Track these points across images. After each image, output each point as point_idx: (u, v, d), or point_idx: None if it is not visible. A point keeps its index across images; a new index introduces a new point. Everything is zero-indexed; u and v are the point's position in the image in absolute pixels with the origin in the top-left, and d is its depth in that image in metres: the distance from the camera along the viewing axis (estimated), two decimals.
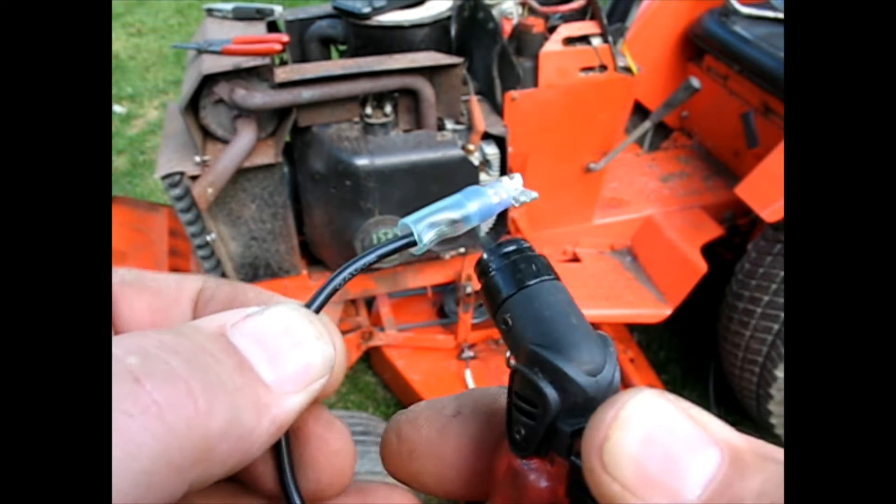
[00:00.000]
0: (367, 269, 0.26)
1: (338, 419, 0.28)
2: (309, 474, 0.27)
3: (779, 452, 0.18)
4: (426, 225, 0.26)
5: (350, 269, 0.26)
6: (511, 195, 0.28)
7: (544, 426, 0.22)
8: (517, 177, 0.29)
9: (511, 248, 0.26)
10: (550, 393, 0.22)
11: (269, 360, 0.22)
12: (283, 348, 0.23)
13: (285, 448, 0.26)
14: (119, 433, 0.18)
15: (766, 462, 0.18)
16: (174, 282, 0.27)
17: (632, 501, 0.18)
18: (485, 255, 0.26)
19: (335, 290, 0.26)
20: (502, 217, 1.80)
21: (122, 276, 0.25)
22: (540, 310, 0.24)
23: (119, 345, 0.19)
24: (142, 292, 0.25)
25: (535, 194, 0.30)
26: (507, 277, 0.25)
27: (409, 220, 0.26)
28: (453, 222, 0.27)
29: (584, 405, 0.21)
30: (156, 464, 0.18)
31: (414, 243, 0.26)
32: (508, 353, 0.25)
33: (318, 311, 0.25)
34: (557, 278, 0.25)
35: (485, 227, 1.81)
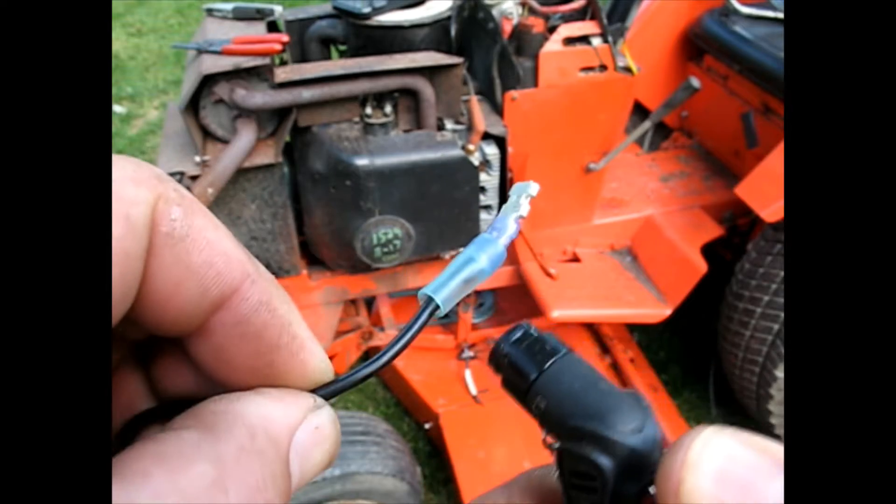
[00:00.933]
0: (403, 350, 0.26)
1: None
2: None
3: None
4: (446, 292, 0.26)
5: (388, 356, 0.25)
6: (514, 226, 0.28)
7: (608, 495, 0.23)
8: (517, 191, 0.29)
9: (519, 333, 0.27)
10: (604, 462, 0.23)
11: (299, 476, 0.23)
12: (315, 466, 0.23)
13: None
14: None
15: None
16: (216, 265, 0.22)
17: None
18: (498, 348, 0.27)
19: (355, 384, 0.26)
20: None
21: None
22: (569, 385, 0.25)
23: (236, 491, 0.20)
24: (179, 267, 0.21)
25: (535, 185, 0.29)
26: (527, 362, 0.26)
27: (428, 290, 0.26)
28: (469, 281, 0.27)
29: (638, 465, 0.22)
30: None
31: (437, 308, 0.26)
32: (544, 434, 0.25)
33: (332, 395, 0.25)
34: (571, 350, 0.26)
35: (484, 227, 1.80)
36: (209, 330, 0.23)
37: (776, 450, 0.20)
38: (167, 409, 0.25)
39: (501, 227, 0.28)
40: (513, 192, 0.29)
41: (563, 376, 0.25)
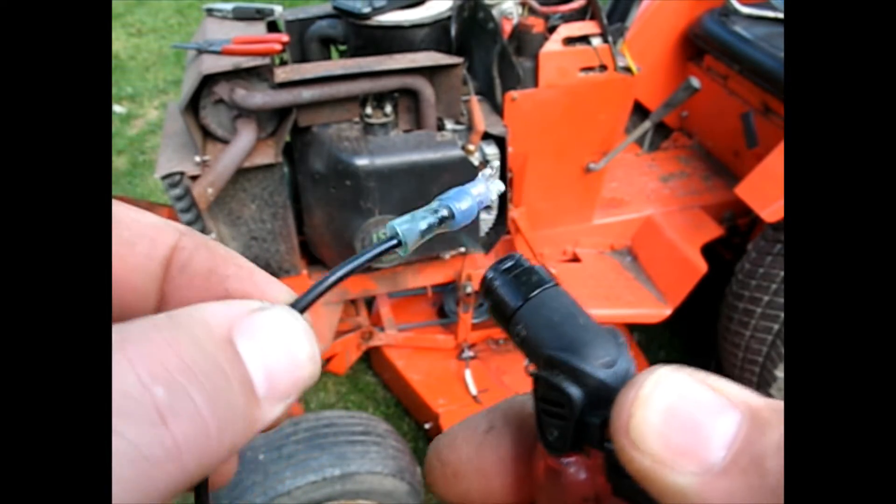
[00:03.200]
0: (359, 270, 0.27)
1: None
2: None
3: None
4: (412, 227, 0.27)
5: (341, 273, 0.26)
6: (489, 192, 0.30)
7: (574, 423, 0.24)
8: (489, 169, 0.31)
9: (510, 263, 0.28)
10: (573, 391, 0.24)
11: (266, 377, 0.22)
12: (281, 366, 0.22)
13: None
14: (135, 477, 0.17)
15: (782, 417, 0.19)
16: (150, 232, 0.25)
17: (662, 472, 0.19)
18: (487, 274, 0.28)
19: (323, 293, 0.26)
20: (502, 217, 1.80)
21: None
22: (549, 316, 0.26)
23: (140, 363, 0.19)
24: (117, 244, 0.24)
25: (501, 186, 0.31)
26: (513, 291, 0.27)
27: (395, 222, 0.27)
28: (440, 221, 0.28)
29: (606, 396, 0.23)
30: (162, 497, 0.18)
31: (399, 244, 0.27)
32: (527, 362, 0.26)
33: (302, 311, 0.25)
34: (558, 284, 0.27)
35: (485, 228, 1.81)
36: (168, 299, 0.25)
37: (731, 389, 0.20)
38: None
39: (479, 186, 0.30)
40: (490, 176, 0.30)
41: (545, 307, 0.26)
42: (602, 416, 0.22)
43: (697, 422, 0.19)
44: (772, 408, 0.19)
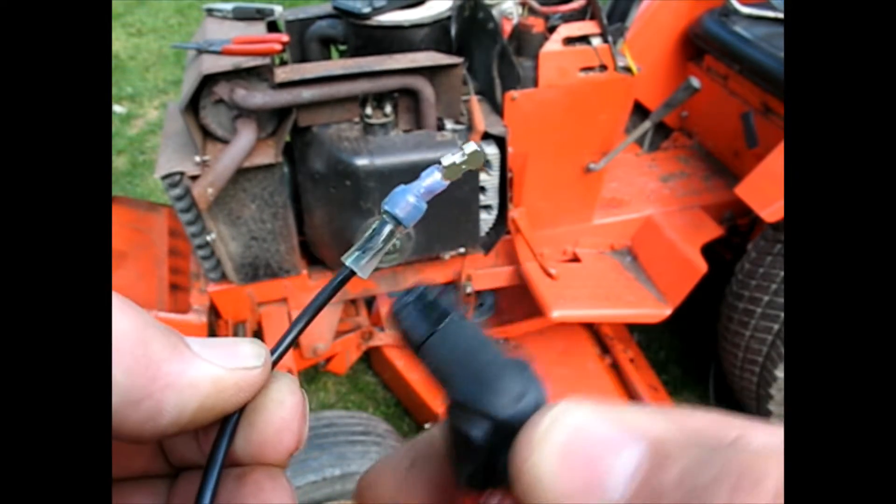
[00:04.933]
0: (319, 311, 0.30)
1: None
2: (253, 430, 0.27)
3: (708, 428, 0.18)
4: (362, 258, 0.29)
5: (303, 321, 0.28)
6: (439, 176, 0.29)
7: (482, 465, 0.23)
8: (468, 148, 0.30)
9: (412, 297, 0.27)
10: (476, 434, 0.23)
11: (200, 341, 0.24)
12: (219, 340, 0.24)
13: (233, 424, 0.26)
14: None
15: (687, 449, 0.18)
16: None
17: None
18: (393, 306, 0.27)
19: (291, 344, 0.28)
20: (502, 217, 1.80)
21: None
22: (451, 353, 0.25)
23: None
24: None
25: (473, 146, 0.30)
26: (415, 327, 0.26)
27: (344, 257, 0.29)
28: (388, 236, 0.29)
29: (513, 435, 0.22)
30: None
31: (353, 273, 0.29)
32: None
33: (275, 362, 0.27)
34: (464, 315, 0.26)
35: (485, 228, 1.81)
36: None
37: (635, 421, 0.19)
38: None
39: (423, 177, 0.29)
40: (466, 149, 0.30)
41: (446, 345, 0.25)
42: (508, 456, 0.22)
43: (595, 459, 0.18)
44: (678, 438, 0.18)
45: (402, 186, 0.29)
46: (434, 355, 0.25)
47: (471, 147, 0.29)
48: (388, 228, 0.29)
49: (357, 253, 0.28)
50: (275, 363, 0.27)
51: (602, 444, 0.19)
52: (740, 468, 0.16)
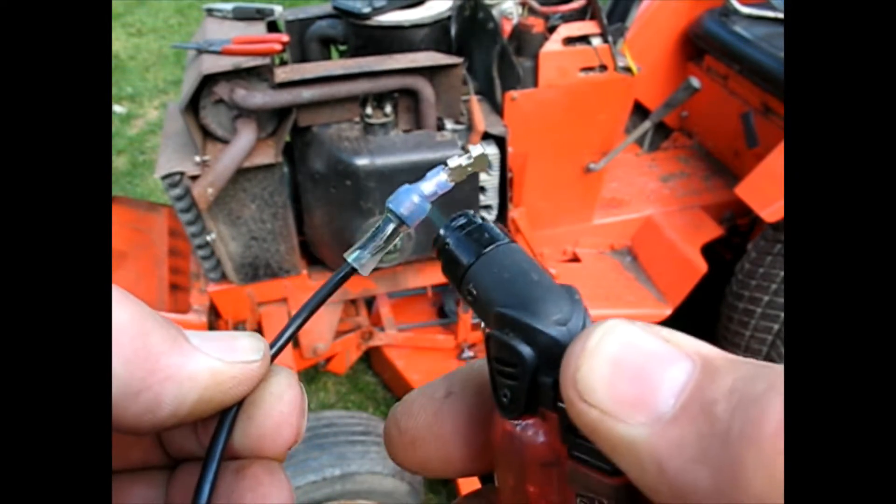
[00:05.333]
0: (319, 306, 0.29)
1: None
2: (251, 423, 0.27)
3: (749, 358, 0.19)
4: (364, 255, 0.29)
5: (302, 316, 0.28)
6: (445, 177, 0.29)
7: (526, 384, 0.23)
8: (473, 150, 0.30)
9: (462, 220, 0.27)
10: (525, 350, 0.23)
11: (199, 334, 0.24)
12: (219, 333, 0.25)
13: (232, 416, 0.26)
14: None
15: (736, 364, 0.18)
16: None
17: (611, 424, 0.18)
18: (440, 232, 0.27)
19: (290, 339, 0.28)
20: (502, 217, 1.80)
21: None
22: (500, 273, 0.25)
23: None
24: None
25: (480, 149, 0.30)
26: (464, 249, 0.26)
27: (347, 253, 0.29)
28: (392, 236, 0.29)
29: (559, 355, 0.22)
30: None
31: (354, 271, 0.29)
32: (482, 324, 0.25)
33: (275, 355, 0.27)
34: (512, 241, 0.26)
35: None
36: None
37: (683, 340, 0.19)
38: None
39: (430, 177, 0.29)
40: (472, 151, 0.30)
41: (497, 265, 0.25)
42: (555, 375, 0.22)
43: (646, 371, 0.19)
44: (725, 357, 0.19)
45: (406, 186, 0.29)
46: (483, 277, 0.25)
47: (477, 150, 0.29)
48: (391, 227, 0.29)
49: (359, 250, 0.29)
50: (273, 357, 0.27)
51: (653, 358, 0.19)
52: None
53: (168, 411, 0.22)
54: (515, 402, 0.23)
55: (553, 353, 0.22)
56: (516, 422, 0.24)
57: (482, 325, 0.25)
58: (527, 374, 0.22)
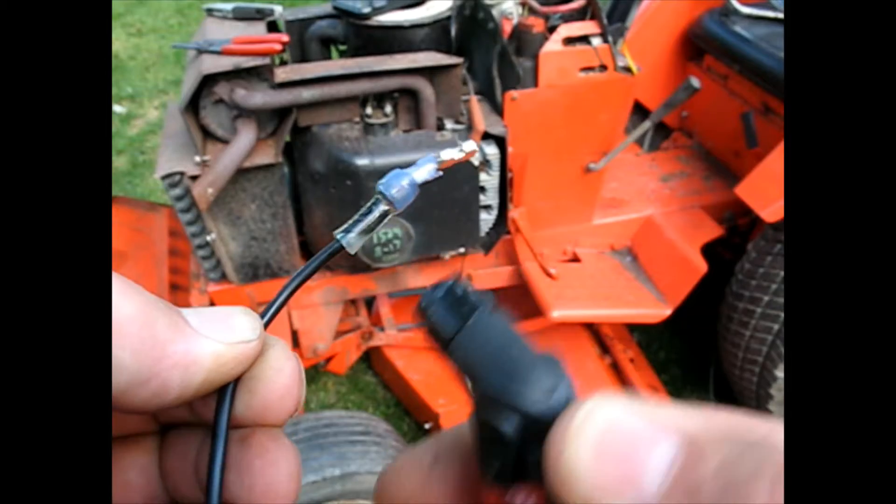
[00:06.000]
0: (305, 280, 0.30)
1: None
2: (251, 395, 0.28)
3: (738, 425, 0.18)
4: (348, 230, 0.30)
5: (290, 288, 0.29)
6: (434, 167, 0.30)
7: (511, 461, 0.23)
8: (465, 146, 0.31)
9: (442, 291, 0.26)
10: (507, 429, 0.22)
11: (196, 314, 0.25)
12: (214, 312, 0.25)
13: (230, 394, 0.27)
14: None
15: (722, 443, 0.18)
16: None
17: None
18: (421, 302, 0.27)
19: (277, 311, 0.29)
20: (502, 217, 1.80)
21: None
22: (480, 348, 0.24)
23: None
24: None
25: (472, 145, 0.31)
26: (444, 322, 0.26)
27: (336, 231, 0.30)
28: (380, 216, 0.30)
29: (543, 432, 0.21)
30: None
31: (341, 248, 0.30)
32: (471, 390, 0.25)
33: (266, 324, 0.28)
34: (494, 309, 0.26)
35: (485, 228, 1.81)
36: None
37: (668, 416, 0.19)
38: None
39: (420, 164, 0.30)
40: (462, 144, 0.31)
41: (476, 340, 0.25)
42: (539, 452, 0.21)
43: (630, 453, 0.19)
44: (710, 434, 0.18)
45: (398, 170, 0.30)
46: (463, 350, 0.25)
47: (469, 145, 0.31)
48: (381, 208, 0.30)
49: (347, 230, 0.30)
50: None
51: (637, 439, 0.19)
52: (779, 464, 0.16)
53: (174, 395, 0.23)
54: (502, 475, 0.23)
55: (538, 430, 0.22)
56: (507, 491, 0.24)
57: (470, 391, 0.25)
58: (510, 451, 0.22)
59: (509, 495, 0.24)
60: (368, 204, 0.30)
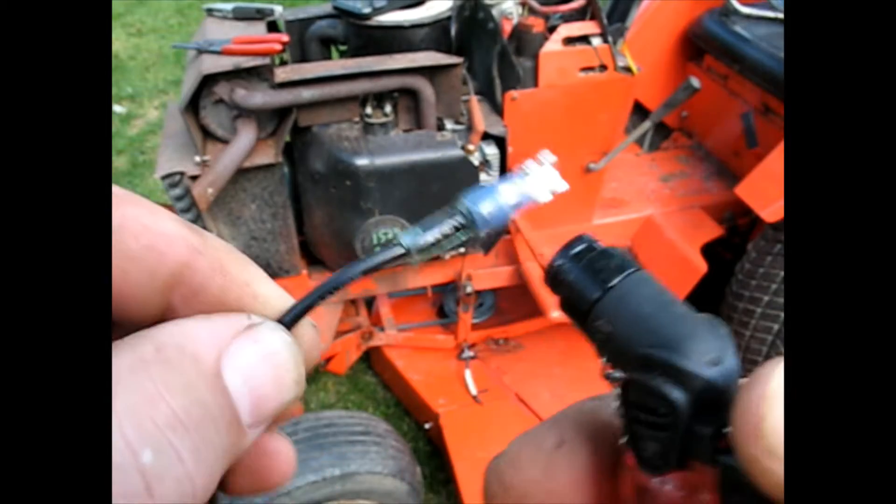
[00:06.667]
0: (359, 278, 0.25)
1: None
2: None
3: None
4: (422, 240, 0.25)
5: (334, 282, 0.24)
6: (532, 191, 0.25)
7: (679, 435, 0.20)
8: (546, 165, 0.26)
9: (581, 247, 0.24)
10: (678, 396, 0.20)
11: (252, 407, 0.21)
12: (267, 391, 0.21)
13: None
14: None
15: None
16: (160, 244, 0.22)
17: None
18: (555, 262, 0.24)
19: (312, 305, 0.24)
20: None
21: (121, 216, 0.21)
22: (637, 307, 0.22)
23: (129, 421, 0.17)
24: (119, 257, 0.21)
25: (565, 185, 0.26)
26: (588, 280, 0.23)
27: (401, 233, 0.25)
28: (455, 229, 0.25)
29: (715, 401, 0.19)
30: None
31: (406, 253, 0.24)
32: (606, 364, 0.22)
33: (291, 324, 0.24)
34: (641, 268, 0.23)
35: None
36: (174, 309, 0.23)
37: None
38: None
39: (512, 187, 0.25)
40: (535, 172, 0.26)
41: (632, 297, 0.22)
42: (714, 424, 0.19)
43: None
44: None
45: (487, 186, 0.25)
46: (615, 312, 0.22)
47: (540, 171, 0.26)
48: (459, 219, 0.25)
49: (417, 236, 0.24)
50: (297, 320, 0.24)
51: None
52: None
53: None
54: (664, 456, 0.20)
55: (709, 399, 0.20)
56: (656, 477, 0.21)
57: (603, 367, 0.22)
58: (680, 423, 0.20)
59: (660, 480, 0.21)
60: (447, 215, 0.25)
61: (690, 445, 0.20)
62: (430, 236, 0.24)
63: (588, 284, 0.23)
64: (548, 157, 0.24)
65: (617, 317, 0.22)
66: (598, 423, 0.24)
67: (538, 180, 0.26)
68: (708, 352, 0.20)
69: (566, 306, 0.24)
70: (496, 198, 0.25)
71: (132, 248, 0.21)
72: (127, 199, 0.22)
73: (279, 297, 0.25)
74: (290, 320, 0.23)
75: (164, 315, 0.23)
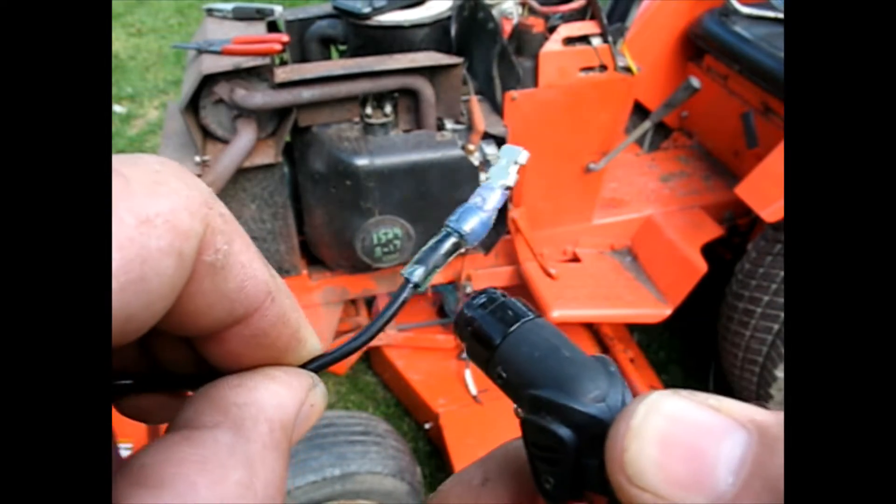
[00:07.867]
0: (384, 326, 0.27)
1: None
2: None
3: None
4: (414, 269, 0.27)
5: (365, 336, 0.27)
6: (503, 183, 0.29)
7: (569, 468, 0.22)
8: (507, 152, 0.29)
9: (483, 298, 0.26)
10: (564, 433, 0.22)
11: (289, 445, 0.24)
12: (301, 432, 0.25)
13: None
14: None
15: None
16: (246, 289, 0.23)
17: None
18: (463, 312, 0.26)
19: (339, 359, 0.27)
20: (502, 218, 1.79)
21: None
22: (529, 352, 0.24)
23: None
24: (214, 288, 0.22)
25: (525, 152, 0.29)
26: (490, 328, 0.25)
27: (404, 270, 0.27)
28: (451, 250, 0.28)
29: (601, 434, 0.21)
30: None
31: (417, 286, 0.27)
32: (515, 406, 0.24)
33: (317, 370, 0.27)
34: (538, 315, 0.25)
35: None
36: (225, 338, 0.23)
37: (734, 407, 0.18)
38: (150, 382, 0.26)
39: (486, 196, 0.29)
40: (501, 155, 0.29)
41: (525, 343, 0.24)
42: (600, 456, 0.20)
43: (699, 447, 0.17)
44: (780, 423, 0.18)
45: (467, 205, 0.29)
46: (512, 356, 0.24)
47: (525, 157, 0.29)
48: (453, 240, 0.28)
49: (415, 265, 0.27)
50: (324, 367, 0.27)
51: (704, 431, 0.18)
52: None
53: None
54: (559, 488, 0.22)
55: (595, 433, 0.21)
56: None
57: (515, 408, 0.24)
58: (569, 458, 0.21)
59: None
60: (436, 238, 0.28)
61: (582, 477, 0.22)
62: (432, 264, 0.27)
63: (487, 333, 0.25)
64: (493, 149, 0.27)
65: (512, 362, 0.24)
66: (522, 461, 0.26)
67: (500, 170, 0.29)
68: (592, 390, 0.22)
69: (471, 353, 0.26)
70: (476, 211, 0.28)
71: (228, 287, 0.22)
72: (235, 234, 0.22)
73: (313, 339, 0.27)
74: (316, 367, 0.26)
75: (212, 336, 0.23)
